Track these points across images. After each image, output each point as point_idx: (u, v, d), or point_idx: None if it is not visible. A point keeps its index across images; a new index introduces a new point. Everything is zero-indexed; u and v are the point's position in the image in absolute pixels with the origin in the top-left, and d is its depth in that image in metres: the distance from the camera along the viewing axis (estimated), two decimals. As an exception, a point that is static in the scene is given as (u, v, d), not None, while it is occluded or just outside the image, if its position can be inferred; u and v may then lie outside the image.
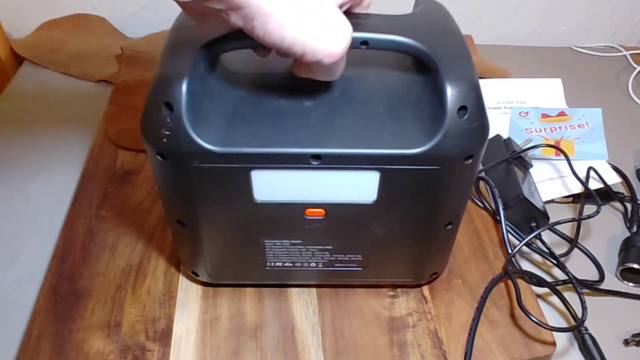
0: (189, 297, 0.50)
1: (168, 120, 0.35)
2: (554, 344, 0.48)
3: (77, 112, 0.74)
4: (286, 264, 0.46)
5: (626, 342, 0.50)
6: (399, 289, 0.51)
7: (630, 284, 0.55)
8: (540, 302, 0.51)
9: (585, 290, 0.53)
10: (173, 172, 0.38)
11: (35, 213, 0.59)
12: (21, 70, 0.82)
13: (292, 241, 0.44)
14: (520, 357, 0.47)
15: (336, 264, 0.46)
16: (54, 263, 0.52)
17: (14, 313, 0.50)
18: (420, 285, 0.51)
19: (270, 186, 0.39)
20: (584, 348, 0.49)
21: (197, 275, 0.49)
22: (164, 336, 0.47)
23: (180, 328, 0.47)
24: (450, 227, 0.44)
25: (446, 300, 0.50)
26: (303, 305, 0.50)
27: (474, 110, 0.36)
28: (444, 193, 0.40)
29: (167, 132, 0.36)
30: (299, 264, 0.46)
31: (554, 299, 0.53)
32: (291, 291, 0.51)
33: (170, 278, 0.51)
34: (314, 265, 0.46)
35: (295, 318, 0.49)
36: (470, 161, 0.38)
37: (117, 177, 0.62)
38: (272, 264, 0.46)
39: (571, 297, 0.51)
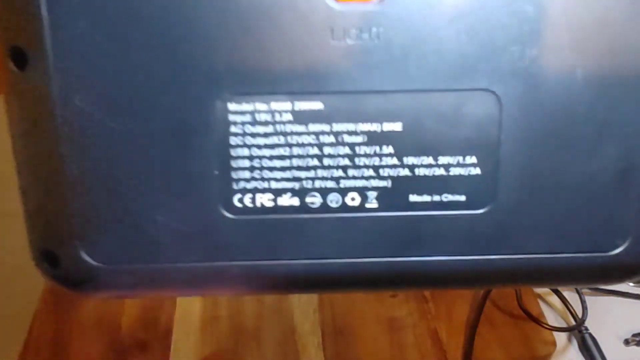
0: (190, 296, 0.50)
1: None
2: (554, 343, 0.47)
3: (77, 112, 0.74)
4: (283, 198, 0.19)
5: (626, 342, 0.50)
6: (399, 289, 0.51)
7: (631, 284, 0.55)
8: (540, 302, 0.51)
9: (585, 290, 0.53)
10: None
11: (35, 213, 0.59)
12: (21, 70, 0.82)
13: (300, 103, 0.18)
14: (520, 357, 0.46)
15: (411, 194, 0.19)
16: (54, 263, 0.52)
17: (14, 313, 0.50)
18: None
19: None
20: (584, 348, 0.49)
21: (57, 259, 0.22)
22: (164, 336, 0.47)
23: (180, 328, 0.47)
24: None
25: (446, 300, 0.50)
26: (303, 305, 0.50)
27: None
28: None
29: None
30: (316, 199, 0.19)
31: (554, 298, 0.53)
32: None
33: (171, 278, 0.51)
34: (357, 200, 0.19)
35: (295, 318, 0.49)
36: None
37: (117, 177, 0.62)
38: (246, 193, 0.19)
39: (571, 296, 0.51)
